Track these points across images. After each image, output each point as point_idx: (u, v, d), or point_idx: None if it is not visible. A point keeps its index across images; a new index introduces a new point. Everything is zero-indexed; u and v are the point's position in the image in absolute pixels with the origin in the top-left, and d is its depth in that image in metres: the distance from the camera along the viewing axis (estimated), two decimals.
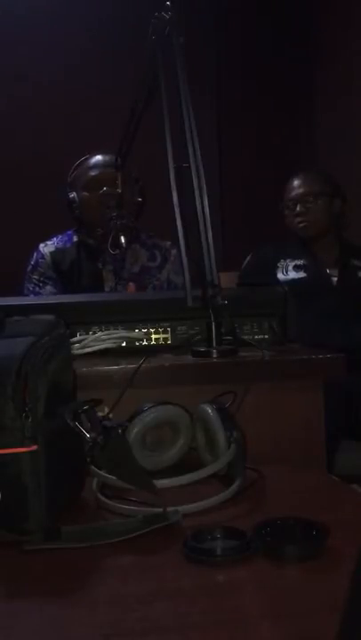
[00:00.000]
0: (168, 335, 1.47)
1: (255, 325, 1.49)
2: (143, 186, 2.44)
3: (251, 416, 1.15)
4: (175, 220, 1.38)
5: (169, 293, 2.20)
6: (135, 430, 1.06)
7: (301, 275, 2.57)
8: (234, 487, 0.95)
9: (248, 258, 2.71)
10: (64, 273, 2.40)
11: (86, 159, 2.44)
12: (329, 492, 1.03)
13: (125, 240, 2.07)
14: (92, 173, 2.38)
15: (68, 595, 0.72)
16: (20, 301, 1.67)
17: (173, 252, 2.43)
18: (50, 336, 0.90)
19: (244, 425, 1.05)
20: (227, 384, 1.18)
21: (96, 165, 2.40)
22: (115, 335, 1.44)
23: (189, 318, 1.45)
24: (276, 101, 3.90)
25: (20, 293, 2.40)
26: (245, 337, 1.44)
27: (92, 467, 0.97)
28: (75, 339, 1.41)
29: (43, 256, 2.43)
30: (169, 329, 1.47)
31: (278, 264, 2.61)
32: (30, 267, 2.44)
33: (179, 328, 1.47)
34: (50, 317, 0.97)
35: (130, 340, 1.46)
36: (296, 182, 2.68)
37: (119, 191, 2.05)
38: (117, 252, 2.11)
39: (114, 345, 1.43)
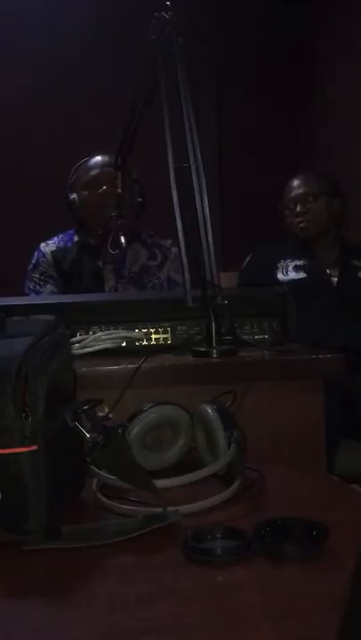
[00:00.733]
0: (168, 335, 1.47)
1: (255, 325, 1.49)
2: (143, 185, 2.44)
3: (251, 416, 1.15)
4: (175, 219, 1.38)
5: (169, 293, 2.21)
6: (135, 430, 1.06)
7: (301, 275, 2.57)
8: (234, 487, 0.95)
9: (248, 258, 2.71)
10: (65, 272, 2.40)
11: (86, 160, 2.45)
12: (329, 492, 1.03)
13: (125, 240, 2.07)
14: (92, 173, 2.39)
15: (68, 595, 0.72)
16: (20, 301, 1.67)
17: (174, 250, 2.43)
18: (50, 336, 0.90)
19: (244, 425, 1.05)
20: (227, 384, 1.18)
21: (96, 165, 2.41)
22: (115, 335, 1.44)
23: (189, 318, 1.45)
24: (276, 101, 3.90)
25: (21, 292, 2.41)
26: (245, 337, 1.44)
27: (92, 467, 0.97)
28: (75, 339, 1.41)
29: (44, 255, 2.43)
30: (169, 329, 1.47)
31: (278, 264, 2.61)
32: (31, 266, 2.44)
33: (179, 328, 1.47)
34: (50, 317, 0.97)
35: (130, 340, 1.46)
36: (296, 182, 2.68)
37: (119, 191, 2.06)
38: (117, 251, 2.12)
39: (114, 345, 1.43)
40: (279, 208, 2.69)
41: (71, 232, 2.48)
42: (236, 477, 0.97)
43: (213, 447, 1.03)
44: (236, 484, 0.95)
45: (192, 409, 1.09)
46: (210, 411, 1.04)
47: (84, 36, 3.65)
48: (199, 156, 1.39)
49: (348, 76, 3.64)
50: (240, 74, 3.88)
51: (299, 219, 2.63)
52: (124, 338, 1.45)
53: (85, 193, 2.39)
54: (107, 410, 1.09)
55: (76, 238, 2.45)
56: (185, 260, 1.38)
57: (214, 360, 1.35)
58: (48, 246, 2.45)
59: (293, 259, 2.61)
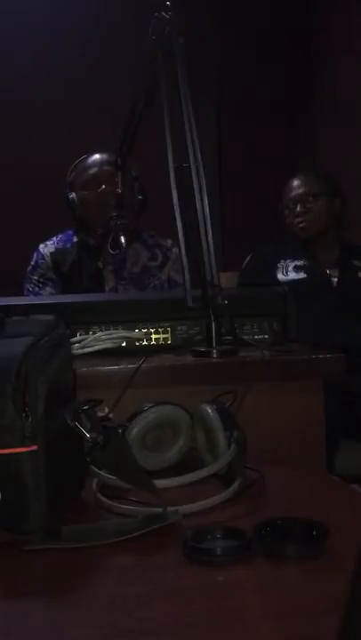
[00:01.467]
0: (168, 335, 1.47)
1: (255, 325, 1.49)
2: (143, 184, 2.43)
3: (251, 416, 1.15)
4: (175, 219, 1.38)
5: (169, 293, 2.21)
6: (135, 430, 1.06)
7: (301, 275, 2.57)
8: (234, 487, 0.95)
9: (248, 258, 2.71)
10: (64, 273, 2.39)
11: (84, 159, 2.43)
12: (329, 492, 1.03)
13: (125, 240, 2.07)
14: (91, 172, 2.38)
15: (68, 594, 0.72)
16: (20, 301, 1.67)
17: (175, 250, 2.42)
18: (50, 336, 0.90)
19: (244, 425, 1.05)
20: (227, 384, 1.18)
21: (94, 164, 2.40)
22: (115, 335, 1.44)
23: (189, 318, 1.45)
24: (276, 101, 3.90)
25: (20, 293, 2.40)
26: (245, 337, 1.44)
27: (92, 467, 0.97)
28: (75, 339, 1.41)
29: (43, 257, 2.42)
30: (169, 329, 1.47)
31: (278, 264, 2.61)
32: (30, 267, 2.44)
33: (179, 328, 1.47)
34: (50, 317, 0.97)
35: (130, 340, 1.46)
36: (296, 182, 2.68)
37: (119, 190, 2.05)
38: (117, 252, 2.11)
39: (114, 345, 1.43)
40: (279, 208, 2.69)
41: (70, 232, 2.47)
42: (236, 477, 0.97)
43: (213, 447, 1.03)
44: (236, 484, 0.95)
45: (192, 409, 1.09)
46: (210, 411, 1.04)
47: (85, 35, 3.65)
48: (199, 156, 1.39)
49: (349, 76, 3.64)
50: (240, 74, 3.88)
51: (299, 219, 2.63)
52: (124, 338, 1.45)
53: (85, 192, 2.38)
54: (107, 410, 1.09)
55: (75, 239, 2.44)
56: (185, 260, 1.38)
57: (214, 360, 1.35)
58: (47, 247, 2.44)
59: (293, 259, 2.61)
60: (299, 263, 2.60)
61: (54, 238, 2.47)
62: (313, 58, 3.98)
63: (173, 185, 1.39)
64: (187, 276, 1.36)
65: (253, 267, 2.67)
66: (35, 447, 0.81)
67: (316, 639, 0.61)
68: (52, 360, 0.87)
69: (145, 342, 1.47)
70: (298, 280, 2.54)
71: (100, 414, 1.00)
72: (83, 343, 1.41)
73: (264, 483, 0.99)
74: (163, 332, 1.47)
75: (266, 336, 1.49)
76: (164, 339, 1.47)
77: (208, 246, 1.38)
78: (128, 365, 1.28)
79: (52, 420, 0.85)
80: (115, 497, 0.94)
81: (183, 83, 1.39)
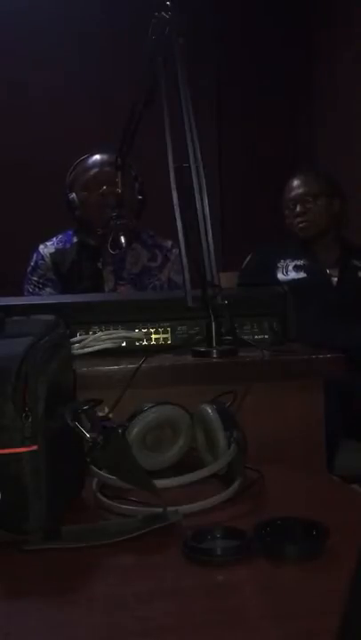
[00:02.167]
0: (168, 335, 1.47)
1: (255, 325, 1.49)
2: (143, 183, 2.43)
3: (251, 416, 1.15)
4: (175, 219, 1.38)
5: (169, 293, 2.20)
6: (135, 430, 1.06)
7: (301, 275, 2.57)
8: (234, 487, 0.95)
9: (248, 258, 2.71)
10: (64, 274, 2.39)
11: (84, 159, 2.43)
12: (329, 492, 1.03)
13: (125, 240, 2.07)
14: (91, 173, 2.38)
15: (68, 595, 0.72)
16: (20, 301, 1.67)
17: (175, 251, 2.42)
18: (50, 336, 0.90)
19: (244, 425, 1.05)
20: (227, 384, 1.18)
21: (94, 165, 2.39)
22: (115, 335, 1.44)
23: (189, 318, 1.45)
24: (276, 101, 3.90)
25: (20, 294, 2.40)
26: (245, 337, 1.44)
27: (92, 467, 0.97)
28: (75, 339, 1.41)
29: (42, 257, 2.42)
30: (169, 329, 1.47)
31: (278, 264, 2.61)
32: (30, 268, 2.44)
33: (179, 328, 1.47)
34: (50, 317, 0.97)
35: (130, 340, 1.46)
36: (296, 182, 2.68)
37: (119, 191, 2.05)
38: (117, 252, 2.11)
39: (114, 345, 1.43)
40: (279, 208, 2.69)
41: (70, 233, 2.46)
42: (236, 477, 0.97)
43: (213, 447, 1.03)
44: (236, 484, 0.95)
45: (192, 409, 1.09)
46: (210, 411, 1.04)
47: (85, 35, 3.65)
48: (199, 156, 1.39)
49: (349, 75, 3.64)
50: (240, 74, 3.88)
51: (299, 219, 2.63)
52: (124, 338, 1.45)
53: (85, 193, 2.38)
54: (107, 410, 1.09)
55: (75, 239, 2.44)
56: (185, 260, 1.38)
57: (214, 360, 1.35)
58: (47, 248, 2.44)
59: (293, 259, 2.62)
60: (299, 263, 2.60)
61: (54, 239, 2.47)
62: (313, 58, 3.98)
63: (173, 185, 1.39)
64: (187, 276, 1.36)
65: (253, 267, 2.67)
66: (35, 447, 0.81)
67: (315, 639, 0.61)
68: (52, 360, 0.87)
69: (145, 342, 1.47)
70: (298, 280, 2.54)
71: (100, 414, 1.00)
72: (83, 343, 1.41)
73: (264, 483, 0.99)
74: (163, 332, 1.47)
75: (266, 336, 1.49)
76: (164, 339, 1.47)
77: (208, 246, 1.38)
78: (128, 365, 1.28)
79: (52, 420, 0.85)
80: (115, 497, 0.94)
81: (183, 83, 1.39)
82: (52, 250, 2.43)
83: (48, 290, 2.38)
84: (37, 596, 0.72)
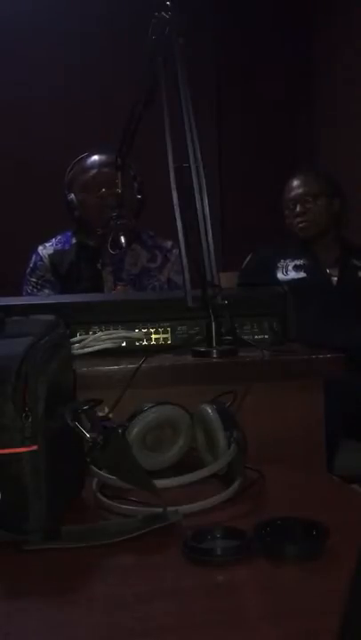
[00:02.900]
0: (168, 335, 1.47)
1: (255, 325, 1.49)
2: (142, 182, 2.42)
3: (251, 416, 1.15)
4: (175, 219, 1.38)
5: (169, 293, 2.20)
6: (135, 430, 1.06)
7: (301, 275, 2.57)
8: (234, 487, 0.95)
9: (248, 258, 2.71)
10: (63, 275, 2.39)
11: (83, 159, 2.42)
12: (329, 492, 1.03)
13: (125, 240, 2.07)
14: (90, 174, 2.37)
15: (68, 595, 0.72)
16: (20, 301, 1.67)
17: (175, 251, 2.41)
18: (50, 336, 0.90)
19: (244, 425, 1.05)
20: (227, 384, 1.18)
21: (93, 166, 2.39)
22: (115, 335, 1.44)
23: (189, 318, 1.45)
24: (276, 101, 3.90)
25: (20, 295, 2.40)
26: (245, 337, 1.44)
27: (92, 467, 0.97)
28: (75, 339, 1.41)
29: (41, 259, 2.42)
30: (169, 329, 1.47)
31: (278, 264, 2.61)
32: (29, 269, 2.43)
33: (179, 328, 1.47)
34: (50, 317, 0.97)
35: (130, 340, 1.46)
36: (295, 182, 2.68)
37: (119, 191, 2.05)
38: (117, 252, 2.11)
39: (114, 345, 1.43)
40: (279, 208, 2.69)
41: (69, 234, 2.46)
42: (236, 477, 0.97)
43: (213, 447, 1.03)
44: (236, 484, 0.95)
45: (192, 409, 1.09)
46: (210, 411, 1.04)
47: (85, 35, 3.65)
48: (199, 156, 1.39)
49: (349, 76, 3.64)
50: (240, 74, 3.88)
51: (298, 219, 2.63)
52: (124, 338, 1.45)
53: (83, 194, 2.37)
54: (107, 410, 1.09)
55: (73, 240, 2.44)
56: (185, 260, 1.38)
57: (214, 360, 1.35)
58: (46, 249, 2.43)
59: (293, 259, 2.62)
60: (299, 263, 2.60)
61: (53, 240, 2.46)
62: (313, 58, 3.98)
63: (173, 185, 1.39)
64: (187, 276, 1.36)
65: (253, 267, 2.67)
66: (35, 447, 0.81)
67: (315, 639, 0.61)
68: (52, 360, 0.87)
69: (145, 342, 1.47)
70: (298, 280, 2.54)
71: (100, 414, 1.00)
72: (83, 343, 1.41)
73: (264, 483, 0.99)
74: (163, 332, 1.47)
75: (266, 336, 1.49)
76: (164, 339, 1.47)
77: (208, 246, 1.38)
78: (128, 365, 1.28)
79: (52, 420, 0.85)
80: (115, 497, 0.94)
81: (183, 83, 1.39)
82: (51, 251, 2.42)
83: (46, 291, 2.38)
84: (37, 596, 0.72)
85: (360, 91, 3.51)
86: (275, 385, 1.31)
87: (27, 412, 0.81)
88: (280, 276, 2.58)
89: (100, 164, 2.37)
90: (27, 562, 0.78)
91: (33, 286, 2.40)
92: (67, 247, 2.43)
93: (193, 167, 1.38)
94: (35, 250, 2.45)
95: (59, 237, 2.47)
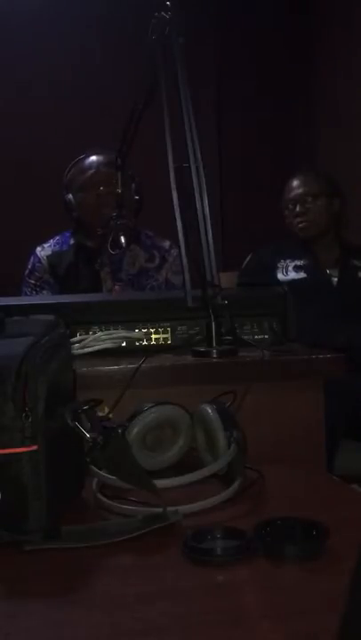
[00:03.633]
0: (168, 335, 1.47)
1: (255, 325, 1.49)
2: (140, 183, 2.42)
3: (251, 416, 1.15)
4: (175, 219, 1.38)
5: (169, 293, 2.20)
6: (135, 430, 1.06)
7: (301, 275, 2.57)
8: (234, 487, 0.95)
9: (248, 258, 2.71)
10: (61, 276, 2.39)
11: (81, 160, 2.42)
12: (329, 491, 1.03)
13: (125, 240, 2.07)
14: (88, 174, 2.37)
15: (68, 595, 0.72)
16: (20, 301, 1.67)
17: (173, 252, 2.41)
18: (50, 336, 0.90)
19: (244, 425, 1.05)
20: (227, 384, 1.18)
21: (91, 166, 2.39)
22: (115, 335, 1.44)
23: (189, 318, 1.45)
24: (276, 101, 3.90)
25: (19, 295, 2.40)
26: (245, 337, 1.44)
27: (92, 467, 0.97)
28: (75, 339, 1.41)
29: (40, 260, 2.42)
30: (169, 329, 1.47)
31: (278, 264, 2.61)
32: (27, 271, 2.43)
33: (179, 328, 1.47)
34: (50, 317, 0.97)
35: (130, 340, 1.46)
36: (295, 183, 2.68)
37: (118, 191, 2.05)
38: (117, 251, 2.11)
39: (114, 345, 1.43)
40: (279, 208, 2.69)
41: (67, 234, 2.46)
42: (236, 477, 0.97)
43: (213, 447, 1.03)
44: (236, 484, 0.95)
45: (192, 409, 1.09)
46: (210, 411, 1.04)
47: (85, 35, 3.65)
48: (199, 156, 1.39)
49: (349, 75, 3.64)
50: (240, 74, 3.87)
51: (298, 219, 2.63)
52: (124, 338, 1.45)
53: (82, 194, 2.37)
54: (107, 410, 1.09)
55: (72, 241, 2.44)
56: (185, 260, 1.38)
57: (214, 360, 1.35)
58: (44, 250, 2.43)
59: (293, 259, 2.62)
60: (299, 263, 2.60)
61: (51, 241, 2.46)
62: (313, 58, 3.98)
63: (173, 185, 1.39)
64: (187, 276, 1.36)
65: (253, 267, 2.67)
66: (35, 447, 0.81)
67: (315, 639, 0.61)
68: (52, 360, 0.87)
69: (145, 342, 1.47)
70: (298, 280, 2.54)
71: (100, 414, 1.00)
72: (83, 343, 1.41)
73: (264, 483, 0.99)
74: (163, 332, 1.47)
75: (266, 336, 1.49)
76: (164, 339, 1.47)
77: (208, 246, 1.38)
78: (128, 365, 1.28)
79: (52, 420, 0.85)
80: (115, 497, 0.94)
81: (183, 83, 1.39)
82: (49, 252, 2.42)
83: (45, 292, 2.38)
84: (37, 596, 0.72)
85: (360, 91, 3.51)
86: (275, 385, 1.31)
87: (27, 412, 0.81)
88: (280, 276, 2.58)
89: (99, 164, 2.37)
90: (27, 562, 0.78)
91: (32, 288, 2.40)
92: (65, 248, 2.42)
93: (193, 167, 1.38)
94: (33, 251, 2.44)
95: (57, 238, 2.46)
